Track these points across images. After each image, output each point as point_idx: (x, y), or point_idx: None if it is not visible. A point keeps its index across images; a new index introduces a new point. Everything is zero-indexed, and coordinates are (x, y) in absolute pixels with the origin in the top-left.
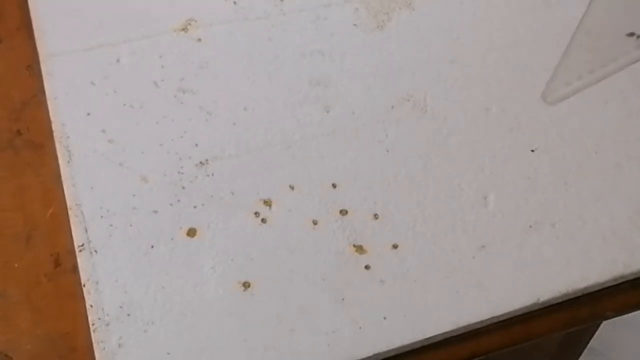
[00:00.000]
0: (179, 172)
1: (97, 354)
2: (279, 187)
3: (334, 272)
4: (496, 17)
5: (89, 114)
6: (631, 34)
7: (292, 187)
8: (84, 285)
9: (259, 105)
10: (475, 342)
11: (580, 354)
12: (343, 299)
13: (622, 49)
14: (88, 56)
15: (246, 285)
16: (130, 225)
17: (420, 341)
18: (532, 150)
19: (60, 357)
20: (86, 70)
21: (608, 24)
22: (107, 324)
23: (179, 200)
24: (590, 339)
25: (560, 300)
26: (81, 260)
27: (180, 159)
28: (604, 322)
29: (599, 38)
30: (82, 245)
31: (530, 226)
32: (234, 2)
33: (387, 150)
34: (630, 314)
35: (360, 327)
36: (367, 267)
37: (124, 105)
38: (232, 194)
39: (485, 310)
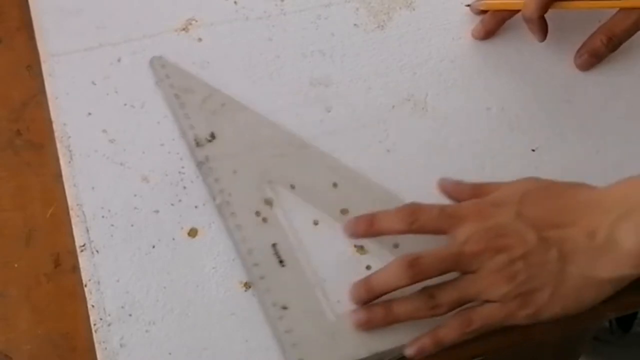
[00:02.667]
0: (179, 172)
1: (98, 354)
2: (280, 187)
3: (335, 272)
4: None
5: (90, 113)
6: None
7: (293, 187)
8: (86, 286)
9: (259, 105)
10: (475, 342)
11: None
12: (344, 299)
13: None
14: (89, 56)
15: (247, 285)
16: (132, 225)
17: None
18: (533, 150)
19: (60, 357)
20: (87, 70)
21: None
22: (109, 324)
23: (180, 200)
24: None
25: None
26: (82, 260)
27: (181, 158)
28: None
29: None
30: (84, 245)
31: None
32: (235, 2)
33: (388, 150)
34: None
35: None
36: (368, 267)
37: (125, 105)
38: (233, 194)
39: None
